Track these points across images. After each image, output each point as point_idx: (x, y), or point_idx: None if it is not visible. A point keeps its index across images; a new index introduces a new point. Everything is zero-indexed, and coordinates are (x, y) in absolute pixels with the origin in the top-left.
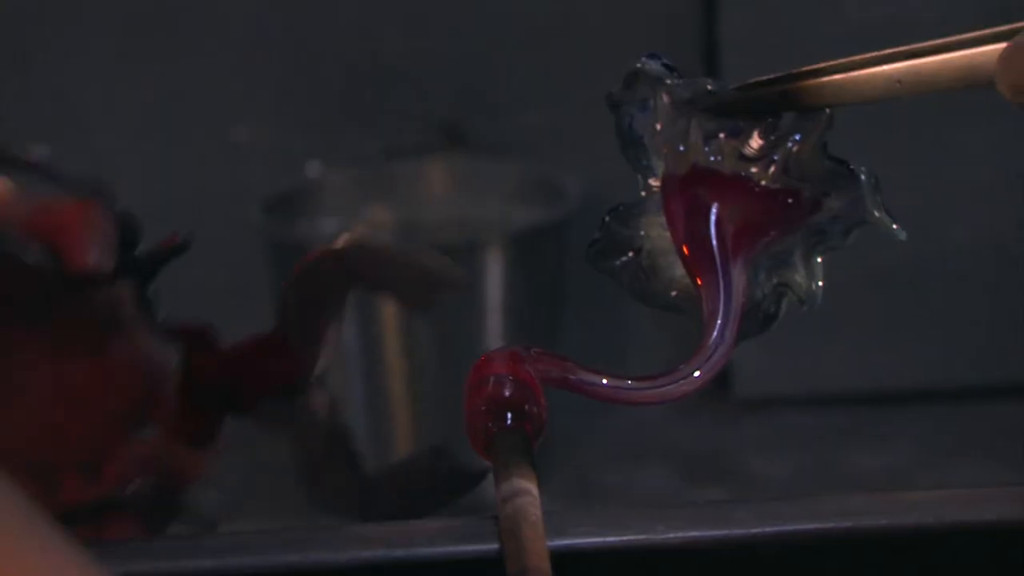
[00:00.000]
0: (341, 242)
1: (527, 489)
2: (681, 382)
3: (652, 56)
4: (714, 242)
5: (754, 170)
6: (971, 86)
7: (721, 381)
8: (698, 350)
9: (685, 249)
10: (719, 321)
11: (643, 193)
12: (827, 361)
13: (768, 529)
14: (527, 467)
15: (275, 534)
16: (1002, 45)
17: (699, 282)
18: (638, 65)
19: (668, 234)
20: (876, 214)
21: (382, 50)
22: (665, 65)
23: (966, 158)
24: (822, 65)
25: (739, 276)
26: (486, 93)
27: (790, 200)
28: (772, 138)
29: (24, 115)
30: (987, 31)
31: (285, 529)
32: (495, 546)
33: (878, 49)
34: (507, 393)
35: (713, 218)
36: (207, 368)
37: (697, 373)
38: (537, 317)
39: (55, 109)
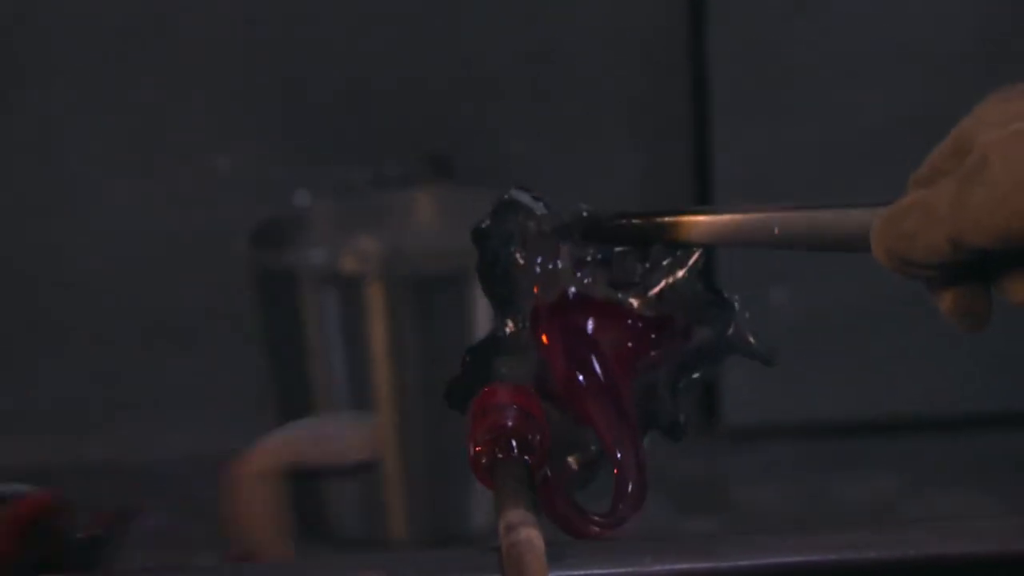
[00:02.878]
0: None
1: (531, 520)
2: (615, 524)
3: (520, 188)
4: (598, 369)
5: (629, 298)
6: (848, 248)
7: (710, 410)
8: (616, 488)
9: (569, 379)
10: (622, 451)
11: (507, 330)
12: (816, 391)
13: (757, 562)
14: (530, 497)
15: (277, 565)
16: (878, 210)
17: (588, 411)
18: (505, 197)
19: (524, 371)
20: (751, 341)
21: (369, 81)
22: (535, 197)
23: None
24: (702, 208)
25: (629, 400)
26: (473, 123)
27: (664, 328)
28: (646, 265)
29: (4, 146)
30: (866, 202)
31: (287, 560)
32: None
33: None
34: (512, 423)
35: (593, 345)
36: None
37: (625, 514)
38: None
39: (37, 139)
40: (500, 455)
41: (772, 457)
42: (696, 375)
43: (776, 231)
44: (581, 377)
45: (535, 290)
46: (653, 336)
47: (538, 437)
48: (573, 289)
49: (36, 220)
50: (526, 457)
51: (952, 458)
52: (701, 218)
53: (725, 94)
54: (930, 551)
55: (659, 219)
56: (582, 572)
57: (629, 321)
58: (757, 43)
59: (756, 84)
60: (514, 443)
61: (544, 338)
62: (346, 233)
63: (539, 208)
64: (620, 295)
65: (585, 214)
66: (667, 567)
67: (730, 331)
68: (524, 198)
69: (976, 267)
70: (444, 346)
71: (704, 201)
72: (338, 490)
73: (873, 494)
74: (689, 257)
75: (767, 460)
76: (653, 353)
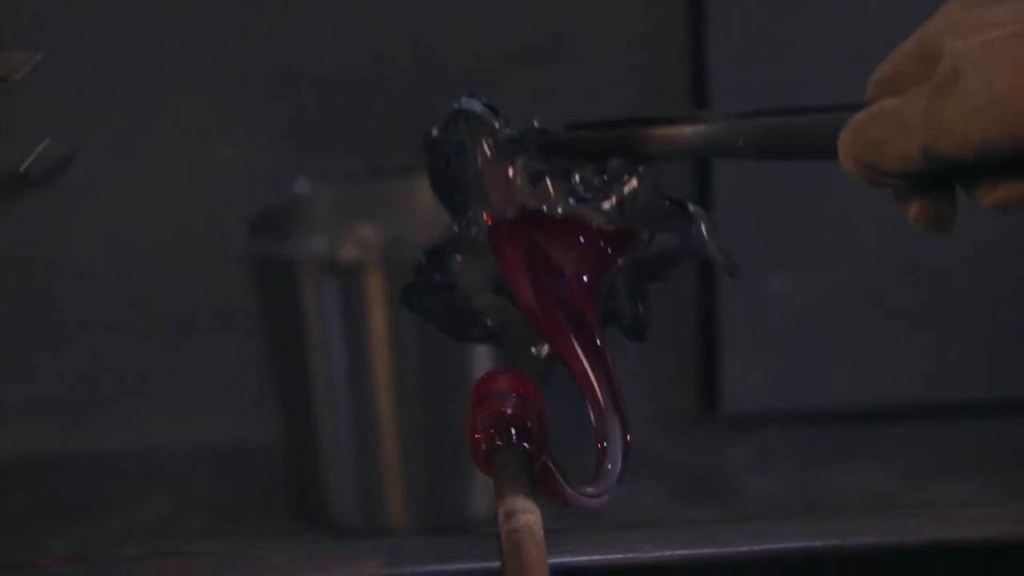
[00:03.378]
0: None
1: (530, 507)
2: (605, 491)
3: (472, 96)
4: (564, 297)
5: (589, 212)
6: (814, 157)
7: (710, 398)
8: (596, 420)
9: (537, 311)
10: (602, 393)
11: (455, 229)
12: (815, 379)
13: (755, 548)
14: (529, 485)
15: (278, 551)
16: (845, 118)
17: (559, 349)
18: (456, 106)
19: (481, 271)
20: (714, 250)
21: (370, 69)
22: (487, 106)
23: None
24: (662, 118)
25: (597, 326)
26: None
27: (626, 240)
28: (605, 178)
29: (5, 135)
30: (838, 104)
31: (289, 547)
32: (496, 564)
33: (863, 65)
34: (511, 410)
35: (557, 270)
36: None
37: (615, 466)
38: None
39: (36, 130)
40: (499, 442)
41: (771, 445)
42: (654, 277)
43: (740, 142)
44: (549, 309)
45: (491, 202)
46: (614, 250)
47: (537, 424)
48: (528, 204)
49: (33, 210)
50: (525, 444)
51: (951, 446)
52: (661, 130)
53: (725, 94)
54: (928, 538)
55: (618, 132)
56: (582, 559)
57: (590, 237)
58: (758, 45)
59: (757, 86)
60: (513, 431)
61: (505, 260)
62: (346, 222)
63: (493, 118)
64: (578, 211)
65: (539, 127)
66: (666, 554)
67: (692, 239)
68: (477, 107)
69: (943, 174)
70: (443, 335)
71: (705, 201)
72: (338, 478)
73: (872, 482)
74: (650, 169)
75: (766, 448)
76: (616, 264)
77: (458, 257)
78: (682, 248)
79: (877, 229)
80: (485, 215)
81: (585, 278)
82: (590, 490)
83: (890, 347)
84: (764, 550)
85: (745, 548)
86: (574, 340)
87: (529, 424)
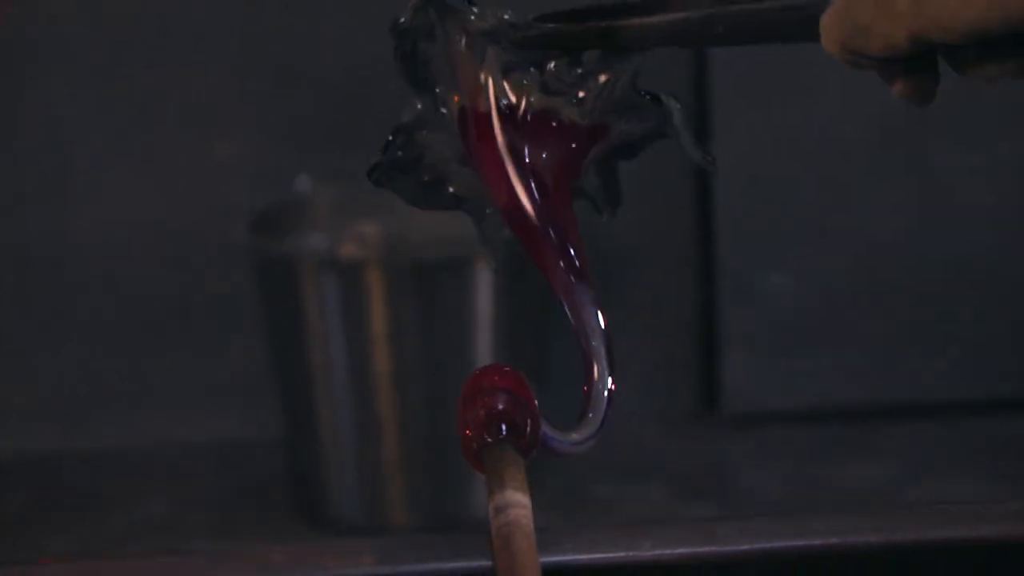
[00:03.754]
0: None
1: (521, 502)
2: (602, 402)
3: None
4: (539, 198)
5: (559, 104)
6: (795, 40)
7: (710, 397)
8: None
9: (512, 212)
10: (584, 315)
11: (419, 106)
12: (815, 377)
13: (755, 546)
14: (520, 480)
15: (269, 550)
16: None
17: (539, 255)
18: None
19: (448, 147)
20: (691, 147)
21: (370, 66)
22: None
23: (953, 179)
24: (636, 8)
25: (575, 231)
26: None
27: (599, 132)
28: (579, 71)
29: (4, 135)
30: None
31: (279, 545)
32: (487, 563)
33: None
34: (501, 406)
35: (531, 168)
36: None
37: (608, 388)
38: (526, 332)
39: (38, 128)
40: (489, 439)
41: (771, 443)
42: (626, 156)
43: (720, 29)
44: (526, 207)
45: (462, 91)
46: (587, 142)
47: (528, 420)
48: (501, 97)
49: (33, 207)
50: (516, 440)
51: (951, 444)
52: (638, 21)
53: (725, 93)
54: (929, 536)
55: (593, 24)
56: (581, 557)
57: (563, 130)
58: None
59: (759, 83)
60: (503, 426)
61: (476, 152)
62: (346, 219)
63: (464, 7)
64: (553, 102)
65: (508, 18)
66: (666, 552)
67: (665, 128)
68: None
69: (928, 51)
70: (444, 332)
71: (705, 203)
72: (338, 477)
73: (872, 480)
74: (626, 64)
75: (766, 446)
76: (589, 155)
77: (424, 132)
78: (655, 134)
79: (877, 229)
80: (456, 99)
81: (560, 173)
82: (575, 436)
83: (889, 346)
84: (764, 548)
85: (745, 546)
86: (553, 251)
87: (519, 420)
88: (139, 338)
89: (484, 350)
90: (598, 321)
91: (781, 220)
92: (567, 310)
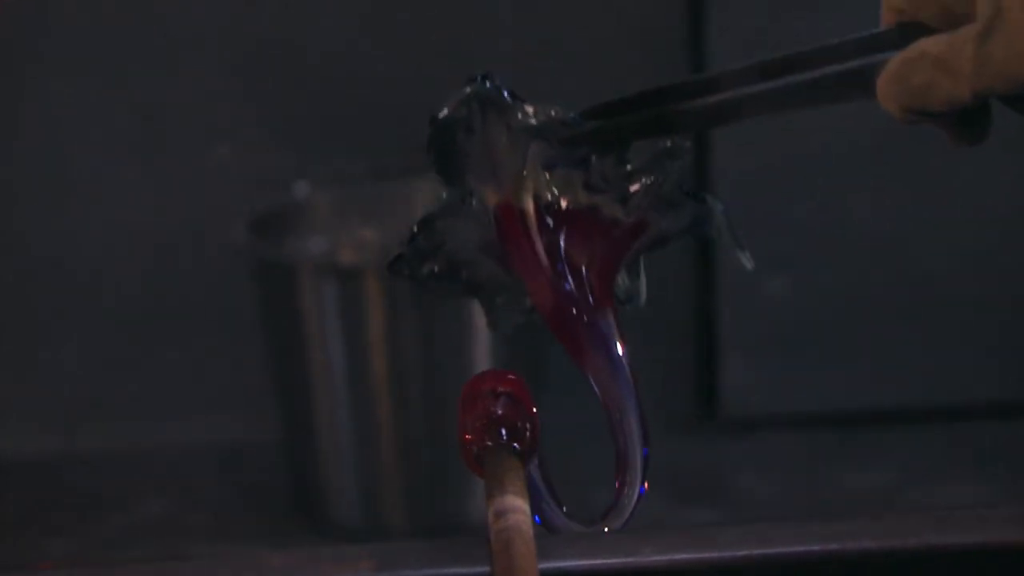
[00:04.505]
0: None
1: (520, 507)
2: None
3: (486, 78)
4: (581, 296)
5: (602, 202)
6: (850, 101)
7: (710, 401)
8: (618, 452)
9: (557, 311)
10: (622, 425)
11: (444, 196)
12: (814, 381)
13: (755, 552)
14: (520, 484)
15: (267, 555)
16: (886, 56)
17: (582, 358)
18: (468, 89)
19: (472, 238)
20: (736, 247)
21: (369, 70)
22: (498, 87)
23: (951, 182)
24: (682, 82)
25: (618, 327)
26: None
27: (642, 231)
28: (626, 168)
29: (3, 136)
30: (854, 41)
31: (278, 551)
32: (485, 568)
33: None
34: (501, 410)
35: (575, 267)
36: None
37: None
38: (525, 337)
39: (36, 129)
40: (489, 443)
41: (770, 448)
42: (652, 251)
43: (774, 103)
44: (567, 306)
45: (501, 186)
46: (629, 238)
47: (527, 425)
48: (542, 194)
49: (33, 207)
50: (515, 444)
51: (950, 449)
52: (687, 105)
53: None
54: (928, 541)
55: (642, 116)
56: (581, 563)
57: (607, 229)
58: (757, 42)
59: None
60: (503, 430)
61: (516, 253)
62: (345, 224)
63: (510, 103)
64: (595, 202)
65: (558, 115)
66: (666, 557)
67: (703, 225)
68: (489, 90)
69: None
70: (442, 336)
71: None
72: (336, 480)
73: (873, 484)
74: (674, 163)
75: (765, 451)
76: (628, 252)
77: (448, 220)
78: (689, 229)
79: (877, 231)
80: (491, 194)
81: (602, 272)
82: (598, 524)
83: (889, 350)
84: (763, 554)
85: (744, 552)
86: (596, 349)
87: (519, 424)
88: (139, 340)
89: (482, 354)
90: (639, 429)
91: (780, 225)
92: (605, 408)
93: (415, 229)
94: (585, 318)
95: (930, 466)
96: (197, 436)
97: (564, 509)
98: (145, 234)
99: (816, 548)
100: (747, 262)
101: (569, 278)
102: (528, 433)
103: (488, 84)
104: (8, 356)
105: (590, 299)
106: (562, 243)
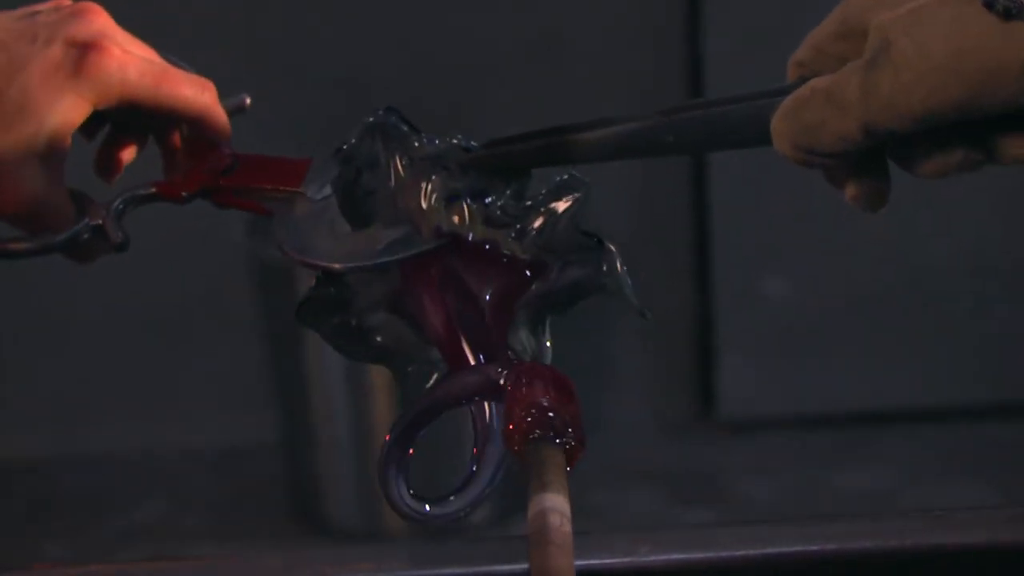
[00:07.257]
0: None
1: (562, 506)
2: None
3: (389, 111)
4: (476, 328)
5: (500, 237)
6: (746, 145)
7: (707, 402)
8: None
9: (442, 333)
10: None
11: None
12: (812, 382)
13: (753, 552)
14: (563, 485)
15: (266, 555)
16: (773, 103)
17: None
18: (371, 120)
19: (379, 288)
20: (628, 291)
21: (370, 68)
22: (405, 121)
23: (951, 182)
24: (585, 124)
25: (505, 356)
26: (472, 113)
27: (538, 269)
28: (524, 204)
29: None
30: (761, 90)
31: (285, 551)
32: (490, 568)
33: None
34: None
35: (472, 299)
36: None
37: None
38: None
39: None
40: (541, 433)
41: (768, 448)
42: (560, 310)
43: (671, 139)
44: (456, 337)
45: (403, 220)
46: (526, 279)
47: (578, 433)
48: (443, 226)
49: None
50: (568, 444)
51: (949, 449)
52: (588, 134)
53: (721, 93)
54: (927, 541)
55: (542, 141)
56: (579, 563)
57: (503, 264)
58: (756, 43)
59: (754, 85)
60: (557, 427)
61: (413, 282)
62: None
63: (410, 135)
64: (495, 235)
65: (457, 142)
66: (663, 558)
67: (604, 275)
68: (391, 123)
69: (877, 149)
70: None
71: (702, 209)
72: (335, 480)
73: (870, 485)
74: (576, 198)
75: (763, 451)
76: (526, 294)
77: (353, 275)
78: (593, 282)
79: (875, 232)
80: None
81: (498, 306)
82: (443, 505)
83: (887, 350)
84: (761, 554)
85: (742, 552)
86: (480, 383)
87: (570, 429)
88: (138, 340)
89: None
90: (498, 457)
91: (778, 226)
92: (475, 433)
93: (319, 276)
94: (474, 348)
95: (929, 467)
96: (196, 436)
97: (412, 492)
98: (145, 235)
99: (816, 548)
100: (641, 312)
101: (463, 309)
102: (578, 441)
103: (389, 115)
104: (8, 356)
105: (482, 330)
106: (459, 274)
